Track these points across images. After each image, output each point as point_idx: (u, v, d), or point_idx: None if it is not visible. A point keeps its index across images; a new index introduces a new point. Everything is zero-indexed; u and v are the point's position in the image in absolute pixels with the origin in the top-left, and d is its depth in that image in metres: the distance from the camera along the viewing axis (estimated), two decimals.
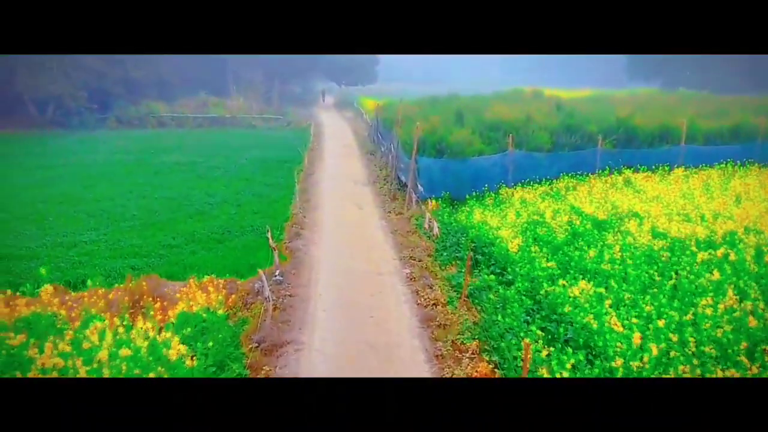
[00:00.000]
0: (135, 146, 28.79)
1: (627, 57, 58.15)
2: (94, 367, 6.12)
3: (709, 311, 7.79)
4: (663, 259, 9.97)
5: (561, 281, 9.39)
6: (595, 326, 7.77)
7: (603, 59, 67.26)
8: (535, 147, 18.65)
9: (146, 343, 6.87)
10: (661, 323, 7.48)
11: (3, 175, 21.42)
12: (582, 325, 7.98)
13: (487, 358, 8.11)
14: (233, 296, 10.03)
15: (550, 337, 8.06)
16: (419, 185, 16.61)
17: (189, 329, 7.89)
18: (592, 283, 9.14)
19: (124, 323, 7.39)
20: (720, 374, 6.68)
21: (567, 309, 8.45)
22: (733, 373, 6.63)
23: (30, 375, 5.92)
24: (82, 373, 5.96)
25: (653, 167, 18.25)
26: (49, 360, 6.08)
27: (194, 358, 7.28)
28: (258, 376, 7.73)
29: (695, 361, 6.87)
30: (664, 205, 13.31)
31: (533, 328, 8.14)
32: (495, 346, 8.23)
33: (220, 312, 8.91)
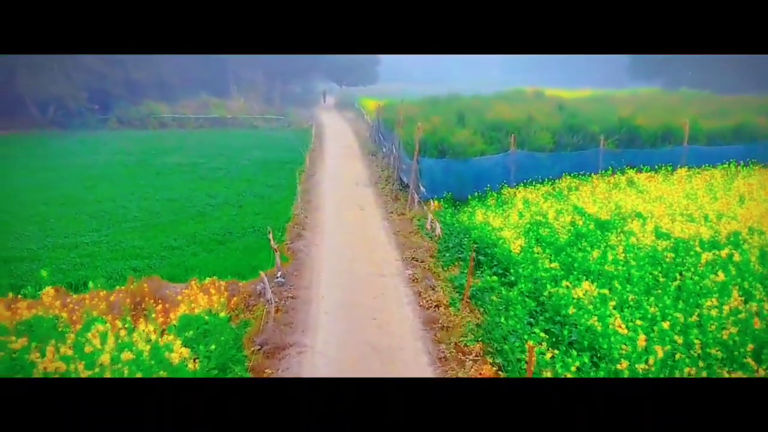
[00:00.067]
0: (136, 147, 28.77)
1: (628, 57, 58.02)
2: (96, 372, 6.08)
3: (714, 313, 7.73)
4: (667, 260, 9.92)
5: (564, 282, 9.34)
6: (599, 328, 7.72)
7: (604, 59, 67.15)
8: (538, 147, 18.60)
9: (148, 347, 6.83)
10: (665, 325, 7.42)
11: (4, 176, 21.41)
12: (586, 327, 7.92)
13: (490, 361, 8.07)
14: (235, 298, 10.00)
15: (554, 339, 8.00)
16: (421, 186, 16.57)
17: (191, 332, 7.86)
18: (595, 284, 9.09)
19: (126, 326, 7.35)
20: (726, 377, 6.63)
21: (571, 311, 8.40)
22: (740, 375, 6.57)
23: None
24: (84, 377, 5.92)
25: (656, 167, 18.20)
26: (50, 364, 6.04)
27: (196, 361, 7.24)
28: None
29: (701, 364, 6.81)
30: (667, 206, 13.26)
31: (537, 330, 8.10)
32: (498, 348, 8.18)
33: (222, 314, 8.87)
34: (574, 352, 7.29)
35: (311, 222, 15.45)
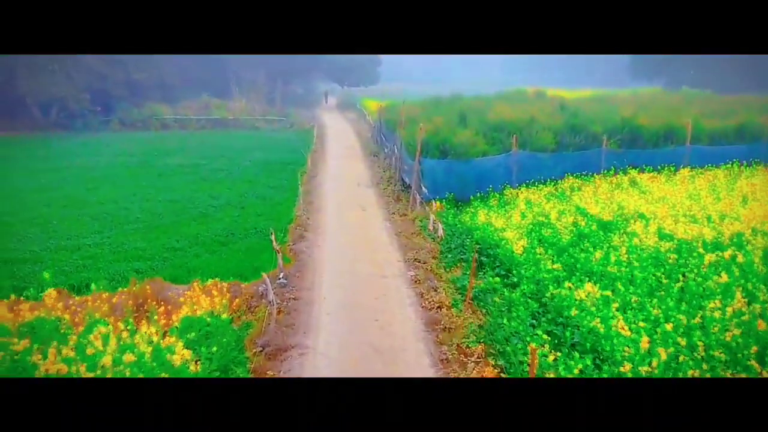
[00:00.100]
0: (138, 148, 28.82)
1: (629, 56, 57.92)
2: (98, 374, 6.08)
3: (717, 314, 7.70)
4: (670, 261, 9.88)
5: (567, 284, 9.31)
6: (602, 330, 7.69)
7: (604, 59, 67.10)
8: (540, 147, 18.58)
9: (150, 348, 6.83)
10: (669, 327, 7.39)
11: (7, 177, 21.47)
12: (589, 328, 7.89)
13: (492, 362, 8.05)
14: (237, 300, 10.00)
15: (556, 341, 7.98)
16: (423, 186, 16.56)
17: (193, 333, 7.84)
18: (598, 285, 9.06)
19: (128, 327, 7.35)
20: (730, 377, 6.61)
21: (573, 312, 8.37)
22: (743, 377, 6.54)
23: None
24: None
25: (659, 167, 18.15)
26: (52, 366, 6.04)
27: (198, 362, 7.23)
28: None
29: (705, 366, 6.78)
30: (670, 206, 13.21)
31: (539, 331, 8.07)
32: (501, 350, 8.16)
33: (224, 316, 8.86)
34: (577, 355, 7.26)
35: (313, 223, 15.45)
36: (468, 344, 8.63)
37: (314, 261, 12.45)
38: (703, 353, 7.06)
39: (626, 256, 10.11)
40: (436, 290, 10.72)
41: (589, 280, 9.38)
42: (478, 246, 11.82)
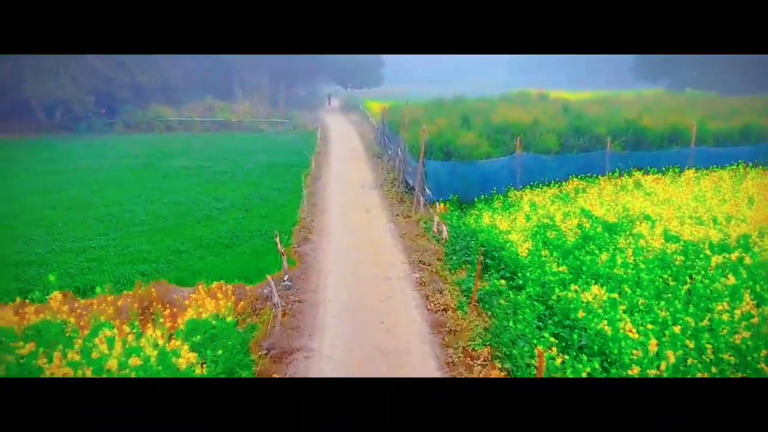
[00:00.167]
0: (143, 151, 28.89)
1: (632, 57, 57.86)
2: (104, 377, 6.07)
3: (725, 317, 7.63)
4: (677, 263, 9.81)
5: (573, 286, 9.25)
6: (609, 333, 7.63)
7: (605, 59, 66.97)
8: (543, 149, 18.52)
9: (155, 352, 6.81)
10: (677, 329, 7.34)
11: (11, 180, 21.53)
12: (596, 331, 7.84)
13: (499, 365, 8.00)
14: (242, 302, 9.98)
15: (563, 344, 7.92)
16: (427, 188, 16.53)
17: (198, 336, 7.84)
18: (604, 288, 9.01)
19: (134, 330, 7.34)
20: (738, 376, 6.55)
21: (580, 314, 8.32)
22: (753, 378, 6.49)
23: None
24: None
25: (663, 169, 18.08)
26: (58, 370, 6.04)
27: (204, 365, 7.22)
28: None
29: (714, 369, 6.73)
30: (675, 208, 13.15)
31: (546, 334, 8.02)
32: (507, 353, 8.12)
33: (229, 319, 8.85)
34: (585, 357, 7.20)
35: (317, 225, 15.44)
36: (474, 347, 8.59)
37: (319, 263, 12.44)
38: (711, 356, 7.01)
39: (632, 258, 10.06)
40: (441, 292, 10.69)
41: (595, 283, 9.32)
42: (483, 248, 11.78)
